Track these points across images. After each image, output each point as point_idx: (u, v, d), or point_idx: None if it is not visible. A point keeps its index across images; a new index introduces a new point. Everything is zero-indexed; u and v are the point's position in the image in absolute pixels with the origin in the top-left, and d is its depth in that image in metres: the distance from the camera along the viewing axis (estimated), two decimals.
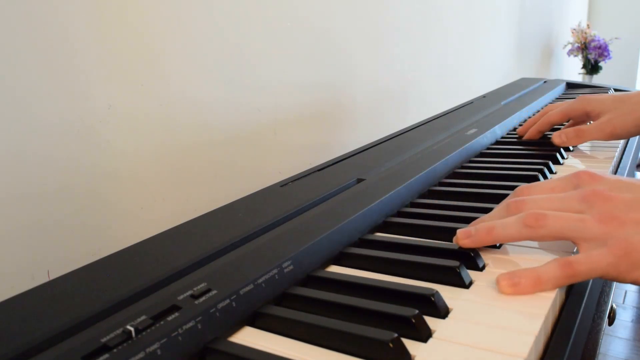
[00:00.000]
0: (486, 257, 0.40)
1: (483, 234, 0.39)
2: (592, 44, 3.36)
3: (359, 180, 0.54)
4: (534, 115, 0.83)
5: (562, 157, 0.67)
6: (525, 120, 0.88)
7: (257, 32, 0.80)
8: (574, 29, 3.40)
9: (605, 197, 0.37)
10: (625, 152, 0.72)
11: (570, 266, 0.35)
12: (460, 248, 0.40)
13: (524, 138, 0.75)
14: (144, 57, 0.63)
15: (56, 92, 0.54)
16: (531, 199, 0.40)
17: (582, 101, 0.69)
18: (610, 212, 0.37)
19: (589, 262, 0.35)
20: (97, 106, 0.58)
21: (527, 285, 0.35)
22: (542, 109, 0.79)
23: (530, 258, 0.40)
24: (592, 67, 3.47)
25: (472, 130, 0.75)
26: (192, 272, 0.35)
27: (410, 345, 0.29)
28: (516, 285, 0.35)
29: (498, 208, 0.42)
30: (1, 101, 0.50)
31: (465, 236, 0.40)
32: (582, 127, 0.67)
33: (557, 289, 0.34)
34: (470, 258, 0.39)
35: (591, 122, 0.70)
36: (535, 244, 0.42)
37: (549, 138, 0.70)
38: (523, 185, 0.43)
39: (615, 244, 0.35)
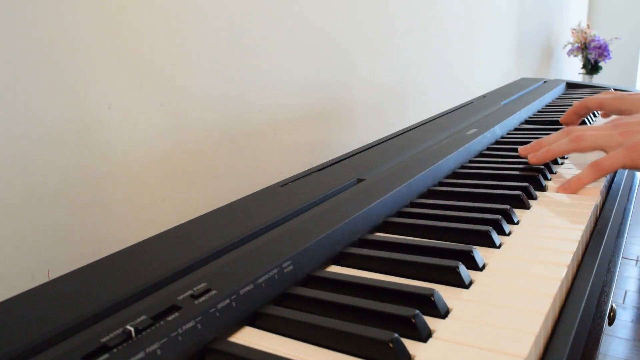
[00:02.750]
0: (486, 257, 0.40)
1: (545, 152, 0.59)
2: (592, 44, 3.36)
3: (359, 180, 0.54)
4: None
5: (563, 157, 0.67)
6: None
7: (257, 32, 0.80)
8: (574, 29, 3.39)
9: (625, 122, 0.56)
10: None
11: (599, 165, 0.54)
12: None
13: (561, 120, 0.80)
14: (144, 57, 0.63)
15: (56, 93, 0.54)
16: (579, 127, 0.60)
17: (620, 100, 0.71)
18: (627, 128, 0.55)
19: (611, 158, 0.53)
20: (97, 106, 0.58)
21: (575, 186, 0.54)
22: (543, 107, 0.79)
23: (528, 257, 0.40)
24: (592, 67, 3.47)
25: (472, 130, 0.75)
26: (192, 272, 0.35)
27: (410, 345, 0.29)
28: (566, 188, 0.55)
29: (555, 133, 0.61)
30: (1, 102, 0.50)
31: (532, 155, 0.61)
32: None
33: (557, 289, 0.34)
34: (470, 258, 0.39)
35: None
36: (532, 245, 0.42)
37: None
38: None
39: (629, 145, 0.53)
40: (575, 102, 0.79)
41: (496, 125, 0.78)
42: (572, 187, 0.54)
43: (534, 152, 0.61)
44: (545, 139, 0.62)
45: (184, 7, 0.68)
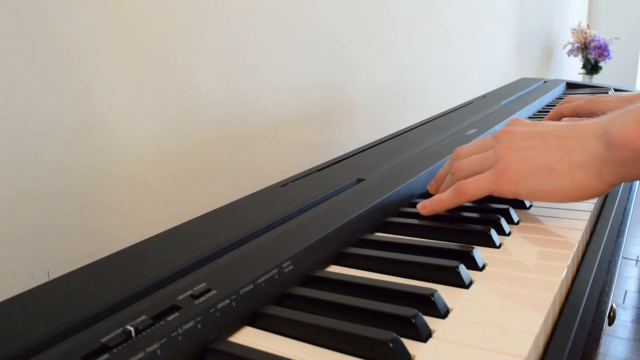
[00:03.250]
0: (486, 257, 0.40)
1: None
2: (592, 44, 3.36)
3: (359, 180, 0.54)
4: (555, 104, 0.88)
5: None
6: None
7: (257, 32, 0.80)
8: (574, 29, 3.39)
9: (508, 132, 0.46)
10: None
11: (461, 187, 0.46)
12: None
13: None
14: (144, 57, 0.63)
15: (56, 93, 0.54)
16: (462, 149, 0.51)
17: (590, 102, 0.72)
18: (504, 143, 0.45)
19: (475, 182, 0.45)
20: (97, 106, 0.58)
21: (434, 205, 0.47)
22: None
23: (528, 257, 0.40)
24: (592, 67, 3.47)
25: (472, 130, 0.75)
26: (192, 272, 0.35)
27: (410, 345, 0.29)
28: (426, 207, 0.48)
29: (443, 169, 0.52)
30: (1, 101, 0.50)
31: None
32: None
33: (557, 289, 0.34)
34: (470, 258, 0.39)
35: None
36: (532, 245, 0.42)
37: None
38: (461, 147, 0.52)
39: (498, 165, 0.44)
40: (555, 107, 0.79)
41: (496, 125, 0.78)
42: (431, 208, 0.47)
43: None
44: (440, 170, 0.53)
45: (184, 7, 0.68)
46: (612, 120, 0.40)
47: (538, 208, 0.51)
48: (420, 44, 1.36)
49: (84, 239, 0.58)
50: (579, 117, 0.75)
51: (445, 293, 0.34)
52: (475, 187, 0.45)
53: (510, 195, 0.44)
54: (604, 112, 0.70)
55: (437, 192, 0.53)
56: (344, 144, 1.05)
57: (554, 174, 0.41)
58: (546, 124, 0.46)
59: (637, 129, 0.37)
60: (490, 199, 0.52)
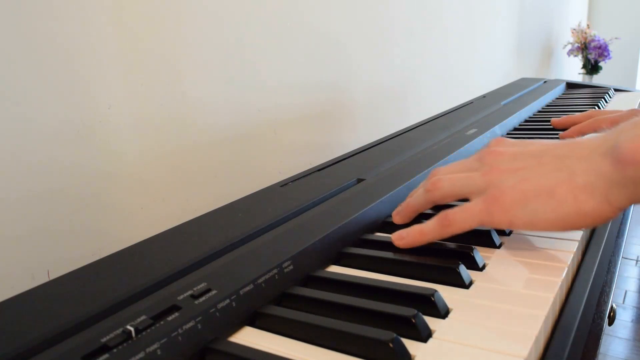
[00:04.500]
0: (486, 257, 0.40)
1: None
2: (592, 44, 3.36)
3: (359, 180, 0.54)
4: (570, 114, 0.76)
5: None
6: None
7: (257, 32, 0.80)
8: (574, 29, 3.39)
9: (494, 154, 0.40)
10: None
11: (446, 218, 0.39)
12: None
13: (556, 123, 0.75)
14: (144, 57, 0.63)
15: (56, 93, 0.54)
16: (441, 169, 0.44)
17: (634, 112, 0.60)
18: (493, 165, 0.39)
19: (463, 211, 0.39)
20: (97, 106, 0.58)
21: (413, 237, 0.40)
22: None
23: (528, 257, 0.40)
24: (592, 67, 3.46)
25: (472, 130, 0.75)
26: (192, 272, 0.35)
27: (410, 345, 0.29)
28: (403, 238, 0.40)
29: (414, 196, 0.46)
30: (1, 102, 0.50)
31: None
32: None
33: (557, 290, 0.34)
34: (470, 258, 0.39)
35: None
36: (532, 245, 0.42)
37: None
38: (438, 168, 0.46)
39: (489, 191, 0.38)
40: (584, 119, 0.65)
41: (496, 125, 0.78)
42: (409, 239, 0.41)
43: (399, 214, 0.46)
44: (410, 198, 0.47)
45: (184, 7, 0.68)
46: (617, 134, 0.35)
47: None
48: (420, 44, 1.36)
49: (84, 239, 0.58)
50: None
51: (445, 293, 0.34)
52: (464, 218, 0.38)
53: (504, 226, 0.38)
54: None
55: (404, 222, 0.45)
56: (344, 144, 1.05)
57: (555, 200, 0.35)
58: (536, 143, 0.40)
59: None
60: None
